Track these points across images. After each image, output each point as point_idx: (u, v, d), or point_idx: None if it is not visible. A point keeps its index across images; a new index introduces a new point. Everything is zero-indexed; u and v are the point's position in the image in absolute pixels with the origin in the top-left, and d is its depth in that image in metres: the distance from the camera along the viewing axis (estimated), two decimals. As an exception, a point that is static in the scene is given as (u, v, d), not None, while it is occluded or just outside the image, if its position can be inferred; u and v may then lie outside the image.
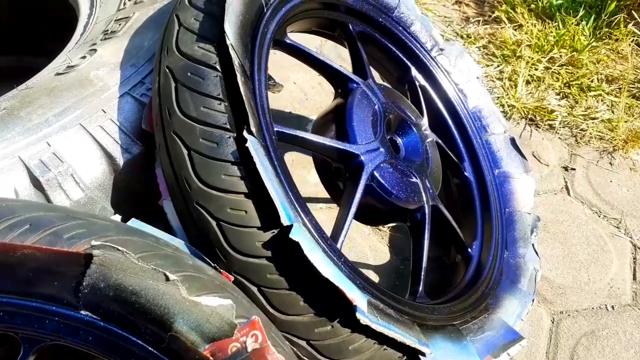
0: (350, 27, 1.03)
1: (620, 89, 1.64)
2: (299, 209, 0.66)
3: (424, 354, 0.68)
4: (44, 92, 0.75)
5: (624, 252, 1.25)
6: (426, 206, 0.91)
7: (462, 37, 1.82)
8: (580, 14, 1.80)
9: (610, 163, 1.45)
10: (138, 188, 0.74)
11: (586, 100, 1.60)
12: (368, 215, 0.91)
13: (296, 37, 0.94)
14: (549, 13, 1.86)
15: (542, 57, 1.69)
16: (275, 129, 0.75)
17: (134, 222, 0.62)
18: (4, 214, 0.50)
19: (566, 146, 1.48)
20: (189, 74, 0.66)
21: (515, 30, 1.81)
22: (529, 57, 1.69)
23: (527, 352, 1.05)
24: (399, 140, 0.96)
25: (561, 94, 1.62)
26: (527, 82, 1.63)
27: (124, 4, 0.96)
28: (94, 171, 0.69)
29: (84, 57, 0.82)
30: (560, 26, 1.78)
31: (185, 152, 0.63)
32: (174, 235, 0.64)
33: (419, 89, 1.13)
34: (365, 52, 1.10)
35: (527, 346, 1.06)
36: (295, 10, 0.88)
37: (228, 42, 0.66)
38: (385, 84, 1.00)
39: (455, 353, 0.74)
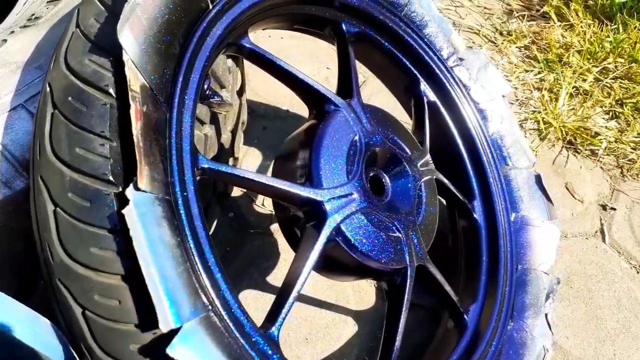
0: (344, 27, 0.83)
1: (685, 112, 1.37)
2: (209, 292, 0.49)
3: None
4: None
5: (665, 323, 1.02)
6: (409, 268, 0.72)
7: (501, 33, 1.57)
8: (647, 16, 1.52)
9: (661, 205, 1.21)
10: (23, 229, 0.58)
11: (640, 122, 1.34)
12: (333, 272, 0.73)
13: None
14: (608, 13, 1.58)
15: (593, 67, 1.43)
16: (206, 165, 0.57)
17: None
18: None
19: (608, 179, 1.24)
20: (69, 98, 0.48)
21: (566, 30, 1.55)
22: (578, 65, 1.43)
23: None
24: (385, 179, 0.76)
25: (611, 114, 1.36)
26: (571, 96, 1.38)
27: (67, -18, 0.79)
28: (-44, 212, 0.54)
29: (-8, 49, 0.66)
30: (620, 30, 1.51)
31: (50, 207, 0.46)
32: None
33: (426, 106, 0.92)
34: (366, 59, 0.90)
35: None
36: (260, 6, 0.68)
37: (127, 53, 0.48)
38: (376, 105, 0.79)
39: None
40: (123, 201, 0.46)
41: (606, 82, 1.40)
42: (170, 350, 0.42)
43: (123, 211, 0.44)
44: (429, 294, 0.82)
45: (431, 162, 0.85)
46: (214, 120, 0.83)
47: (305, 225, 0.67)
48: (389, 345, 0.69)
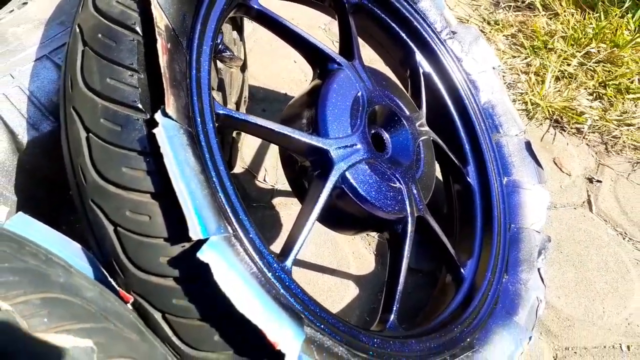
0: (345, 0, 0.87)
1: (664, 93, 1.44)
2: (230, 217, 0.52)
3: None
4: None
5: (650, 283, 1.07)
6: (409, 217, 0.76)
7: (488, 23, 1.63)
8: (627, 4, 1.59)
9: (644, 177, 1.27)
10: (47, 173, 0.61)
11: (623, 103, 1.40)
12: (337, 222, 0.77)
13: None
14: (590, 2, 1.65)
15: (577, 51, 1.49)
16: (221, 111, 0.61)
17: (18, 217, 0.49)
18: None
19: (594, 154, 1.30)
20: (99, 35, 0.52)
21: (550, 19, 1.62)
22: (562, 50, 1.50)
23: (521, 393, 0.90)
24: (386, 136, 0.80)
25: (594, 95, 1.43)
26: (557, 79, 1.45)
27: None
28: (-11, 148, 0.57)
29: (11, 11, 0.69)
30: (602, 17, 1.58)
31: (83, 134, 0.50)
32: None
33: (421, 76, 0.97)
34: (363, 30, 0.94)
35: (522, 386, 0.90)
36: (268, -29, 0.73)
37: (154, -1, 0.52)
38: (376, 67, 0.84)
39: (420, 406, 0.60)
40: (151, 126, 0.49)
41: (589, 66, 1.47)
42: (200, 254, 0.46)
43: (154, 130, 0.47)
44: (428, 248, 0.86)
45: (426, 125, 0.89)
46: (221, 87, 0.87)
47: (313, 175, 0.71)
48: (392, 287, 0.73)
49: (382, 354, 0.62)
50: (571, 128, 1.35)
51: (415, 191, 0.78)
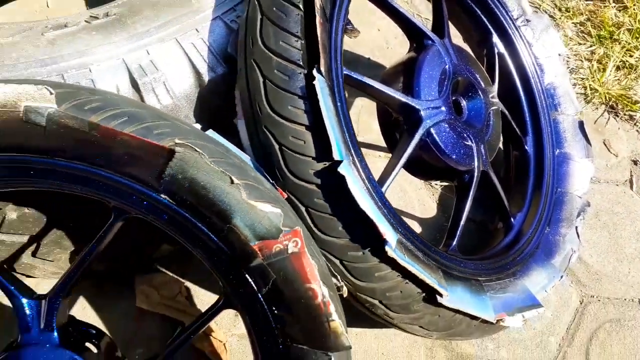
0: (439, -16, 1.05)
1: None
2: (351, 149, 0.74)
3: (440, 295, 0.75)
4: (149, 5, 0.84)
5: (674, 254, 1.23)
6: (476, 170, 0.96)
7: (560, 9, 1.75)
8: (696, 2, 1.67)
9: (686, 164, 1.40)
10: (217, 104, 0.84)
11: (677, 96, 1.52)
12: (418, 169, 0.97)
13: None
14: (661, -3, 1.74)
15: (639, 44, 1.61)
16: (344, 72, 0.82)
17: (211, 133, 0.71)
18: (108, 105, 0.61)
19: (642, 139, 1.44)
20: (274, 8, 0.73)
21: (620, 11, 1.72)
22: (626, 42, 1.61)
23: (549, 323, 1.10)
24: (464, 103, 0.99)
25: (651, 86, 1.55)
26: (618, 68, 1.57)
27: None
28: (183, 83, 0.80)
29: (188, -21, 0.91)
30: (670, 13, 1.67)
31: (261, 79, 0.71)
32: (243, 151, 0.73)
33: (496, 56, 1.14)
34: (449, 10, 1.12)
35: (550, 318, 1.10)
36: (386, -38, 0.91)
37: (314, -15, 0.72)
38: (461, 46, 1.02)
39: (471, 303, 0.81)
40: (309, 79, 0.70)
41: (651, 59, 1.58)
42: (340, 169, 0.67)
43: (314, 82, 0.68)
44: (486, 198, 1.06)
45: (497, 98, 1.07)
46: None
47: (404, 128, 0.91)
48: (457, 220, 0.94)
49: (445, 264, 0.83)
50: (624, 114, 1.48)
51: (483, 150, 0.98)
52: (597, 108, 1.49)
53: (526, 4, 1.17)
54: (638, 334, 1.10)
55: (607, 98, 1.49)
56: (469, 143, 0.95)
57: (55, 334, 0.70)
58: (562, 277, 1.00)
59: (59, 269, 0.96)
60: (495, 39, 1.15)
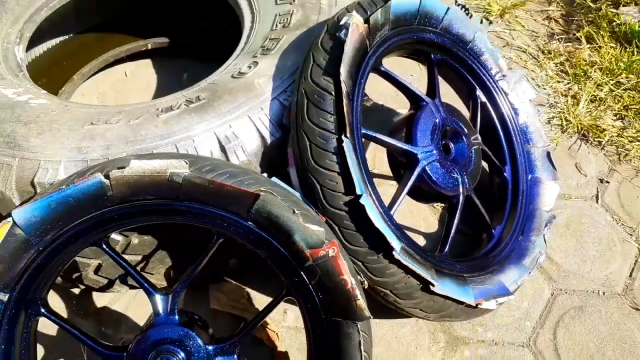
0: (432, 56, 1.41)
1: (677, 117, 1.85)
2: (368, 187, 1.10)
3: (432, 285, 1.10)
4: (226, 91, 1.22)
5: (629, 255, 1.55)
6: (461, 195, 1.31)
7: (543, 52, 2.09)
8: (658, 43, 1.99)
9: (644, 182, 1.72)
10: (275, 158, 1.21)
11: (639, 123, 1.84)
12: (418, 195, 1.33)
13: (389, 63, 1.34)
14: (629, 38, 2.06)
15: (609, 80, 1.93)
16: (363, 131, 1.18)
17: (275, 179, 1.08)
18: (216, 167, 0.99)
19: (608, 162, 1.76)
20: (315, 95, 1.10)
21: (593, 52, 2.05)
22: (598, 78, 1.94)
23: (526, 311, 1.43)
24: (451, 146, 1.34)
25: (618, 116, 1.87)
26: (591, 101, 1.90)
27: (276, 26, 1.41)
28: (253, 145, 1.17)
29: (249, 67, 1.29)
30: (635, 52, 1.99)
31: (307, 143, 1.08)
32: (295, 190, 1.10)
33: (479, 105, 1.49)
34: (442, 74, 1.48)
35: (527, 308, 1.43)
36: (390, 48, 1.28)
37: (341, 79, 1.09)
38: (455, 96, 1.37)
39: (457, 291, 1.15)
40: (339, 142, 1.07)
41: (618, 92, 1.90)
42: (361, 200, 1.03)
43: (342, 144, 1.05)
44: (466, 220, 1.40)
45: (480, 139, 1.42)
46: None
47: (407, 166, 1.27)
48: (447, 234, 1.29)
49: (438, 264, 1.18)
50: (594, 141, 1.81)
51: (466, 180, 1.32)
52: (571, 137, 1.82)
53: (503, 63, 1.52)
54: (595, 317, 1.42)
55: (580, 128, 1.82)
56: (455, 175, 1.30)
57: (177, 316, 1.08)
58: (530, 273, 1.33)
59: (157, 280, 1.34)
60: (479, 92, 1.50)
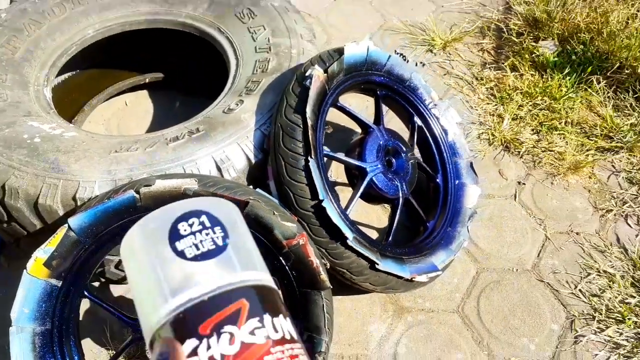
0: (378, 92, 1.83)
1: (581, 130, 2.31)
2: (329, 194, 1.50)
3: (377, 264, 1.50)
4: (220, 123, 1.62)
5: (537, 240, 1.98)
6: (401, 198, 1.72)
7: (477, 79, 2.53)
8: (566, 71, 2.45)
9: (552, 183, 2.16)
10: (258, 174, 1.60)
11: (551, 137, 2.28)
12: (368, 199, 1.74)
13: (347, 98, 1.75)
14: (545, 66, 2.52)
15: (528, 102, 2.38)
16: (325, 152, 1.58)
17: (259, 190, 1.48)
18: (217, 183, 1.37)
19: (525, 168, 2.20)
20: (288, 128, 1.50)
21: (516, 78, 2.50)
22: (518, 100, 2.38)
23: (456, 286, 1.84)
24: (393, 161, 1.76)
25: (534, 131, 2.32)
26: (513, 120, 2.34)
27: (256, 70, 1.81)
28: (241, 165, 1.56)
29: (237, 104, 1.68)
30: (549, 79, 2.45)
31: (283, 162, 1.48)
32: (274, 197, 1.49)
33: (416, 128, 1.91)
34: (387, 104, 1.90)
35: (456, 283, 1.85)
36: (345, 89, 1.69)
37: (307, 115, 1.49)
38: (391, 128, 1.79)
39: (396, 269, 1.56)
40: (307, 162, 1.47)
41: (534, 112, 2.35)
42: (323, 203, 1.43)
43: (309, 163, 1.45)
44: (409, 216, 1.82)
45: (415, 154, 1.84)
46: (316, 132, 1.85)
47: (358, 177, 1.67)
48: (390, 228, 1.70)
49: (382, 249, 1.58)
50: (514, 151, 2.25)
51: (404, 186, 1.74)
52: (496, 148, 2.26)
53: (434, 95, 1.94)
54: (509, 288, 1.85)
55: (503, 141, 2.26)
56: (396, 183, 1.71)
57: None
58: (455, 254, 1.75)
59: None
60: (416, 118, 1.92)
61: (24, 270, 1.24)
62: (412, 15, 2.82)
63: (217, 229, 0.51)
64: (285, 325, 0.46)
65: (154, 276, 0.47)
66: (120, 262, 1.66)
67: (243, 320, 0.44)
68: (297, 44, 1.83)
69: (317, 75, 1.54)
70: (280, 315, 0.46)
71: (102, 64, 2.46)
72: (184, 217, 0.50)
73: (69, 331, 1.42)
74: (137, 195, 1.37)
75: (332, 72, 1.60)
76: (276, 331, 0.44)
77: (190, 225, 0.49)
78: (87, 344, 1.68)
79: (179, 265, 0.47)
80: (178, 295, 0.45)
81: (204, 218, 0.51)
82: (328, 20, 2.79)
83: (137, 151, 1.57)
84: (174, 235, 0.49)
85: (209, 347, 0.42)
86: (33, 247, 1.35)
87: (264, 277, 0.49)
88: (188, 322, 0.44)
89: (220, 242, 0.50)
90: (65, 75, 2.42)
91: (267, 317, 0.45)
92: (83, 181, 1.51)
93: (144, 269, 0.48)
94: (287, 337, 0.45)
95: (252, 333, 0.43)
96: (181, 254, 0.48)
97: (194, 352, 0.42)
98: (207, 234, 0.50)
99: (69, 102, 2.41)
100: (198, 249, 0.48)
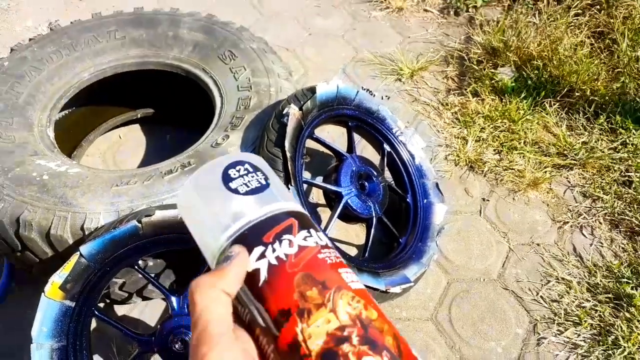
0: (349, 123, 2.04)
1: (538, 149, 2.54)
2: (304, 208, 1.69)
3: (353, 277, 1.69)
4: (209, 157, 1.81)
5: (502, 252, 2.19)
6: (374, 218, 1.92)
7: (442, 104, 2.76)
8: (523, 95, 2.69)
9: (513, 199, 2.38)
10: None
11: (511, 156, 2.51)
12: (344, 218, 1.93)
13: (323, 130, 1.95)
14: (504, 91, 2.76)
15: (489, 125, 2.61)
16: (304, 179, 1.78)
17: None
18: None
19: (489, 186, 2.42)
20: (270, 160, 1.70)
21: (478, 103, 2.73)
22: (481, 123, 2.62)
23: (429, 296, 2.03)
24: (366, 184, 1.96)
25: (496, 151, 2.54)
26: (476, 141, 2.56)
27: (239, 107, 2.01)
28: (230, 193, 1.75)
29: (223, 139, 1.88)
30: (508, 103, 2.69)
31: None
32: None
33: (386, 153, 2.12)
34: (359, 134, 2.11)
35: (429, 294, 2.04)
36: (319, 123, 1.90)
37: (286, 148, 1.69)
38: (363, 155, 2.00)
39: (372, 281, 1.75)
40: (288, 183, 1.66)
41: (495, 134, 2.58)
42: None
43: (289, 190, 1.64)
44: (384, 234, 2.01)
45: (386, 177, 2.04)
46: (297, 160, 2.05)
47: (335, 200, 1.87)
48: (366, 245, 1.89)
49: (358, 264, 1.77)
50: (478, 171, 2.47)
51: (377, 207, 1.94)
52: (462, 168, 2.48)
53: (400, 124, 2.16)
54: (477, 297, 2.04)
55: (468, 161, 2.48)
56: (369, 204, 1.91)
57: (186, 310, 1.63)
58: (427, 267, 1.94)
59: (166, 289, 1.89)
60: (385, 145, 2.13)
61: (42, 294, 1.40)
62: (381, 47, 3.07)
63: (259, 173, 0.63)
64: (324, 237, 0.59)
65: (214, 210, 0.58)
66: (124, 283, 1.82)
67: (296, 231, 0.57)
68: (275, 83, 2.04)
69: (293, 112, 1.75)
70: (320, 232, 0.59)
71: (96, 102, 2.65)
72: (232, 165, 0.63)
73: (82, 346, 1.57)
74: (140, 225, 1.54)
75: (306, 109, 1.81)
76: (321, 239, 0.58)
77: (238, 171, 0.62)
78: (96, 359, 1.84)
79: (235, 200, 0.58)
80: (239, 220, 0.56)
81: (247, 165, 0.63)
82: (304, 53, 3.01)
83: (136, 184, 1.75)
84: (227, 178, 0.60)
85: (274, 250, 0.54)
86: (43, 274, 1.52)
87: (299, 207, 0.62)
88: (251, 236, 0.55)
89: (263, 182, 0.62)
90: (63, 113, 2.60)
91: (312, 231, 0.58)
92: (90, 213, 1.68)
93: (203, 210, 0.59)
94: (329, 245, 0.58)
95: (304, 239, 0.56)
96: (235, 191, 0.59)
97: (262, 255, 0.54)
98: (252, 176, 0.62)
99: (67, 139, 2.59)
100: (248, 186, 0.60)
